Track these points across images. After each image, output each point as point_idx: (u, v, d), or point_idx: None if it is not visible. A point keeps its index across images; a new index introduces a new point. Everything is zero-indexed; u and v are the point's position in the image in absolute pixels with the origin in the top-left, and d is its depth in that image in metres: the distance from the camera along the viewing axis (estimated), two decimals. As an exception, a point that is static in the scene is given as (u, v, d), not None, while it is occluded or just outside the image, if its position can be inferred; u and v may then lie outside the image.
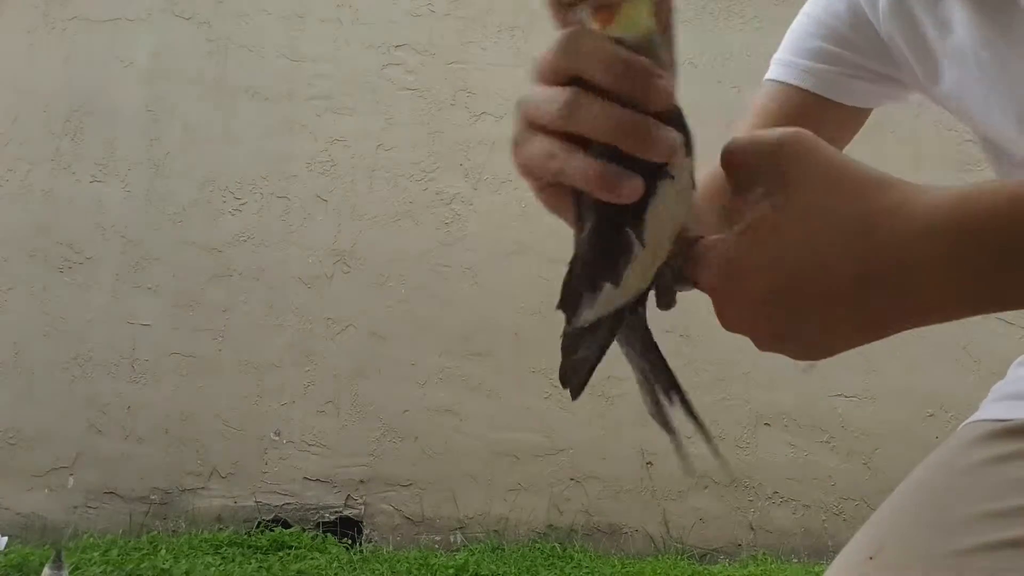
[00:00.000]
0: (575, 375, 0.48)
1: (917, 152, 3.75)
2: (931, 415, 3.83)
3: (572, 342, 0.48)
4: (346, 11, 3.91)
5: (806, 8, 0.82)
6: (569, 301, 0.47)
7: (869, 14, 0.73)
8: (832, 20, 0.77)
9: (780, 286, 0.45)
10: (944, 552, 0.54)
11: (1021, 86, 0.63)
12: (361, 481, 3.69)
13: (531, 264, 3.70)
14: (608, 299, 0.45)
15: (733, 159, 0.48)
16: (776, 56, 0.83)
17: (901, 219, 0.43)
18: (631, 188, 0.43)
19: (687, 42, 4.02)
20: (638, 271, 0.45)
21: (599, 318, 0.46)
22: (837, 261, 0.44)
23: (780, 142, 0.46)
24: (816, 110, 0.78)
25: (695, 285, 0.48)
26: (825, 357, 0.47)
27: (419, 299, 3.78)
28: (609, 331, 0.47)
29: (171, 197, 3.76)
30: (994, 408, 0.66)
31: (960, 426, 0.68)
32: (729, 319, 0.47)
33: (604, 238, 0.45)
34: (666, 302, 0.49)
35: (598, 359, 0.47)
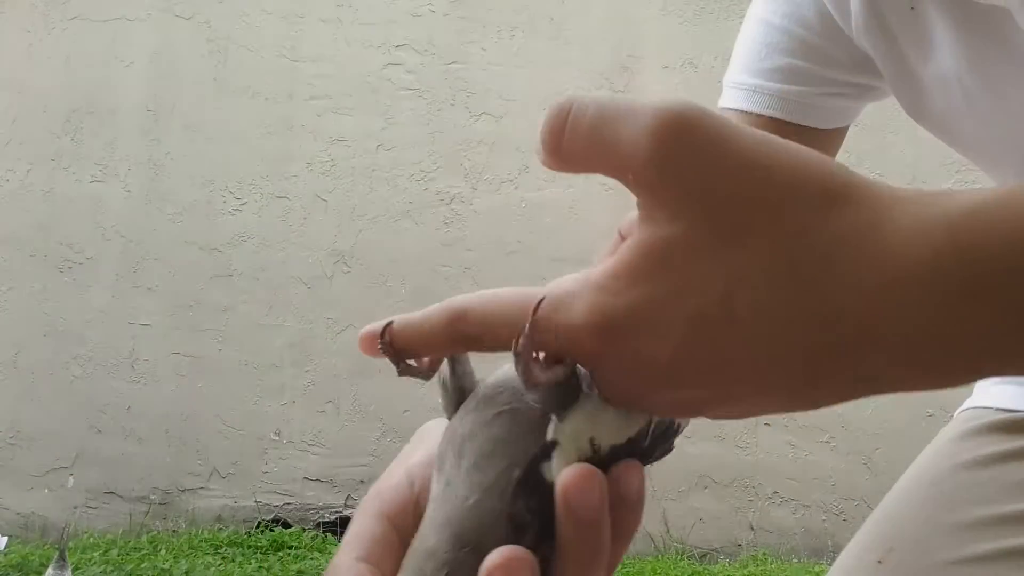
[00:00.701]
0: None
1: (917, 153, 3.75)
2: (931, 415, 3.83)
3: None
4: (346, 11, 3.91)
5: (759, 13, 0.67)
6: None
7: (841, 24, 0.60)
8: (799, 30, 0.63)
9: (680, 354, 0.29)
10: (956, 559, 0.54)
11: (1020, 121, 0.53)
12: (361, 481, 3.69)
13: (531, 264, 3.70)
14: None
15: (579, 158, 0.32)
16: (733, 78, 0.67)
17: (869, 255, 0.28)
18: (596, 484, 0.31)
19: (687, 42, 4.03)
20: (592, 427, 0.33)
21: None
22: (773, 321, 0.28)
23: (655, 130, 0.29)
24: (791, 139, 0.64)
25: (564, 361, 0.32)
26: (748, 417, 0.34)
27: (419, 299, 3.77)
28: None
29: (171, 197, 3.76)
30: (994, 393, 0.64)
31: (957, 411, 0.67)
32: (611, 392, 0.32)
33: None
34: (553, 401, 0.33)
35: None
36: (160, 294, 3.71)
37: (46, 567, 2.53)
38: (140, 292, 3.71)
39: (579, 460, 0.31)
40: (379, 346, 0.36)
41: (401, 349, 0.36)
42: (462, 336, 0.35)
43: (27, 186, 3.73)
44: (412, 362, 0.37)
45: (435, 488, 0.34)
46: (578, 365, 0.32)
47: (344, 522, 3.65)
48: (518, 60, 3.93)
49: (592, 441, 0.32)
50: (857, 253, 0.28)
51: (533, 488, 0.31)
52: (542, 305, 0.32)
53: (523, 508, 0.31)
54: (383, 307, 3.77)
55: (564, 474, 0.30)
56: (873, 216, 0.28)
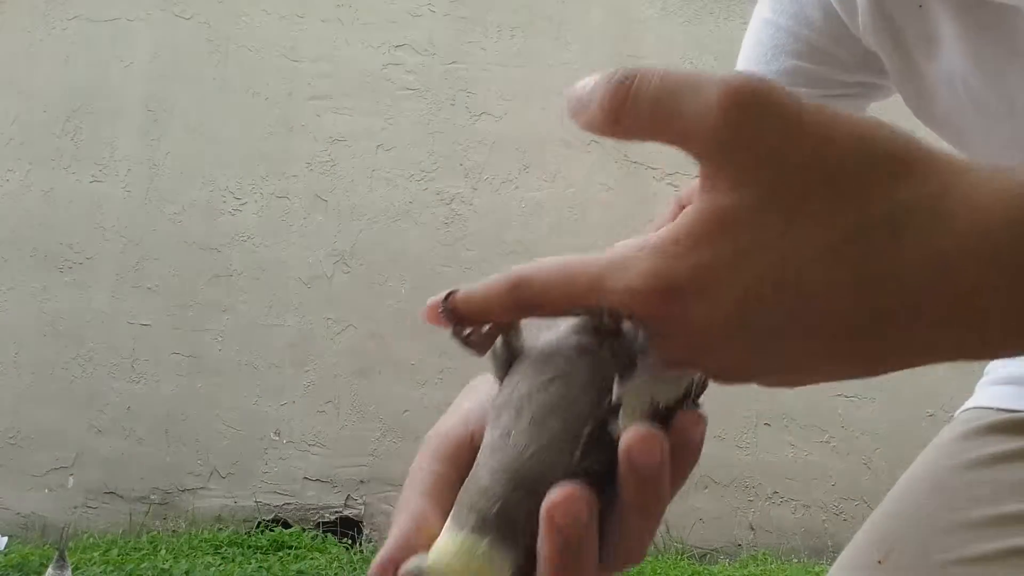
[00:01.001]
0: None
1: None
2: (931, 415, 3.83)
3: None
4: (346, 11, 3.91)
5: (764, 14, 0.67)
6: None
7: (848, 23, 0.60)
8: (805, 31, 0.63)
9: (736, 318, 0.30)
10: (957, 558, 0.54)
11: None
12: (361, 481, 3.69)
13: (531, 264, 3.70)
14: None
15: (640, 125, 0.31)
16: None
17: (935, 225, 0.28)
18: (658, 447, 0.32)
19: (687, 42, 4.03)
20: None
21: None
22: (833, 288, 0.29)
23: (723, 100, 0.29)
24: None
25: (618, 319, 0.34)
26: (802, 385, 0.35)
27: (419, 299, 3.76)
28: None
29: (171, 197, 3.77)
30: (995, 393, 0.64)
31: (958, 412, 0.67)
32: (667, 352, 0.33)
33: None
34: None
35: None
36: (160, 294, 3.71)
37: (46, 567, 2.53)
38: (140, 292, 3.71)
39: (642, 418, 0.33)
40: (441, 313, 0.37)
41: (463, 317, 0.37)
42: (521, 303, 0.35)
43: (27, 186, 3.73)
44: (470, 332, 0.38)
45: (489, 436, 0.35)
46: (627, 324, 0.34)
47: (344, 522, 3.65)
48: (518, 60, 3.94)
49: (652, 400, 0.34)
50: (923, 223, 0.29)
51: (599, 444, 0.33)
52: (595, 272, 0.33)
53: (591, 463, 0.33)
54: (383, 307, 3.77)
55: (628, 434, 0.32)
56: (939, 187, 0.29)
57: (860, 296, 0.29)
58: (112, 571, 2.92)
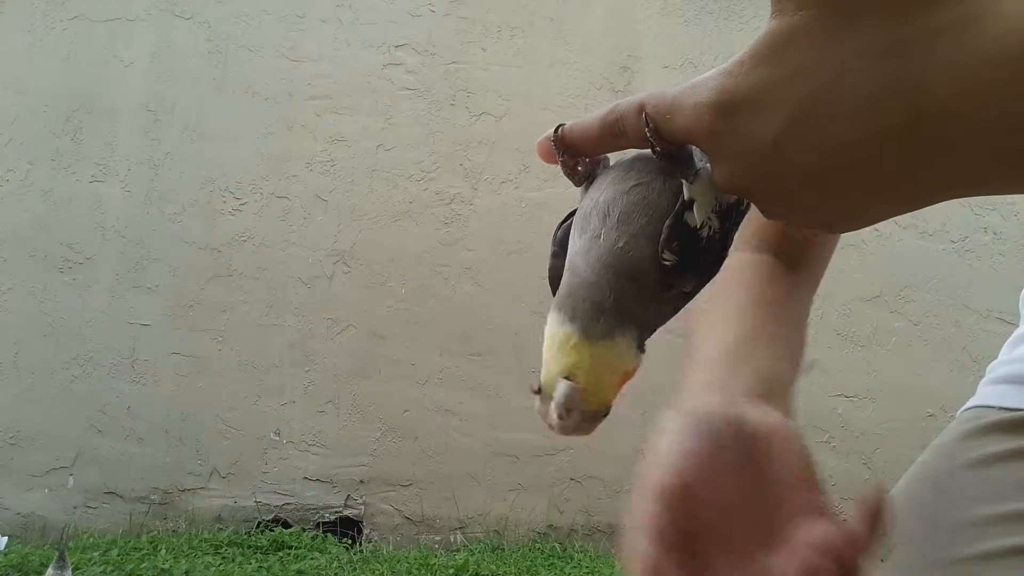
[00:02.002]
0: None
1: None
2: (931, 415, 3.83)
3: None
4: (346, 11, 3.91)
5: None
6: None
7: None
8: None
9: (788, 131, 0.33)
10: (959, 556, 0.54)
11: None
12: (361, 481, 3.69)
13: (531, 264, 3.70)
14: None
15: None
16: None
17: (968, 42, 0.30)
18: None
19: (687, 42, 4.03)
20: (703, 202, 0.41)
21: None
22: (871, 99, 0.31)
23: None
24: None
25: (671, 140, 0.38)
26: (845, 230, 0.37)
27: (419, 299, 3.78)
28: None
29: (171, 197, 3.77)
30: (996, 392, 0.64)
31: (959, 411, 0.67)
32: (724, 173, 0.36)
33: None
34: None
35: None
36: (160, 294, 3.71)
37: (46, 567, 2.53)
38: (140, 292, 3.71)
39: (711, 212, 0.40)
40: (552, 142, 0.42)
41: (570, 146, 0.42)
42: (612, 127, 0.40)
43: (27, 186, 3.73)
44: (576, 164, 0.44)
45: (578, 242, 0.42)
46: (693, 147, 0.39)
47: (344, 522, 3.65)
48: (518, 60, 3.94)
49: (716, 199, 0.40)
50: (957, 39, 0.30)
51: (679, 232, 0.40)
52: (672, 94, 0.38)
53: (675, 248, 0.40)
54: (383, 307, 3.77)
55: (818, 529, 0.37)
56: (979, 10, 0.30)
57: (894, 105, 0.31)
58: (112, 571, 2.92)
